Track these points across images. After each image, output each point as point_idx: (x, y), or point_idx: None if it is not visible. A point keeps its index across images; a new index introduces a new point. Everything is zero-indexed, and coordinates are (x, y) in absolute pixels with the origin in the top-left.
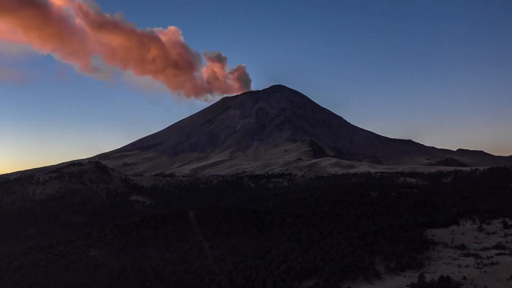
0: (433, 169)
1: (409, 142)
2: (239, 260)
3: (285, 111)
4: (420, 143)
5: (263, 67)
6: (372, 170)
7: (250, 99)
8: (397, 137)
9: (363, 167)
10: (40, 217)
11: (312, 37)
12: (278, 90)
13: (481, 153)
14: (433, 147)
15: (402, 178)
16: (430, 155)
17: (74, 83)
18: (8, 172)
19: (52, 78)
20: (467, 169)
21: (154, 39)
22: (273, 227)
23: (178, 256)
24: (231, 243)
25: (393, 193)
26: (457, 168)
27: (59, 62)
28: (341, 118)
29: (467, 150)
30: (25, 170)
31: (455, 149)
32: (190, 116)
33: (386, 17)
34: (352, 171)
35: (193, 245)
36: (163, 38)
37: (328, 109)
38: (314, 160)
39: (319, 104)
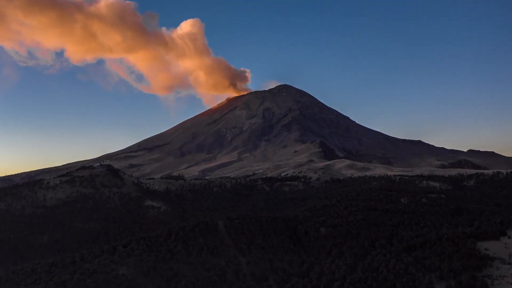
0: (453, 172)
1: (419, 142)
2: (281, 278)
3: (292, 111)
4: (429, 143)
5: (267, 67)
6: (390, 173)
7: (256, 99)
8: (402, 137)
9: (378, 170)
10: (52, 224)
11: (316, 37)
12: (284, 90)
13: (492, 153)
14: (443, 148)
15: (425, 182)
16: (440, 156)
17: (73, 81)
18: (12, 173)
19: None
20: (489, 172)
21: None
22: (309, 239)
23: (215, 274)
24: (268, 258)
25: (423, 200)
26: (478, 171)
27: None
28: (349, 118)
29: (478, 151)
30: (30, 171)
31: (465, 150)
32: (195, 116)
33: (392, 16)
34: (368, 173)
35: (229, 261)
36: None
37: (335, 109)
38: (327, 162)
39: (325, 104)
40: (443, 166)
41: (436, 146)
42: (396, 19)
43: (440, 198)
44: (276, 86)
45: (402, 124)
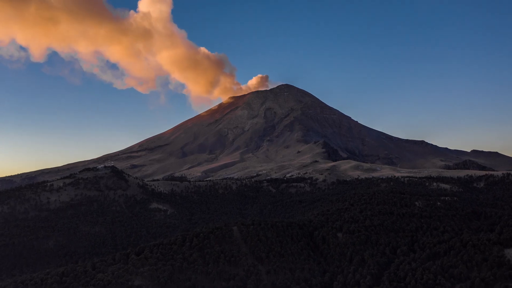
0: (461, 173)
1: (422, 143)
2: None
3: (294, 111)
4: (431, 143)
5: (269, 66)
6: (397, 174)
7: (258, 98)
8: (402, 136)
9: (385, 171)
10: (58, 228)
11: (319, 36)
12: (285, 90)
13: (496, 154)
14: (446, 148)
15: (435, 184)
16: (444, 156)
17: (73, 82)
18: (12, 174)
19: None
20: (499, 173)
21: None
22: (327, 246)
23: (235, 285)
24: (288, 267)
25: (438, 203)
26: (487, 172)
27: None
28: (350, 118)
29: (482, 151)
30: (30, 172)
31: (468, 150)
32: (196, 116)
33: (396, 16)
34: (375, 175)
35: (248, 271)
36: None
37: (336, 109)
38: (333, 163)
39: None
40: (447, 167)
41: (439, 146)
42: (399, 19)
43: (454, 201)
44: (278, 86)
45: (403, 124)
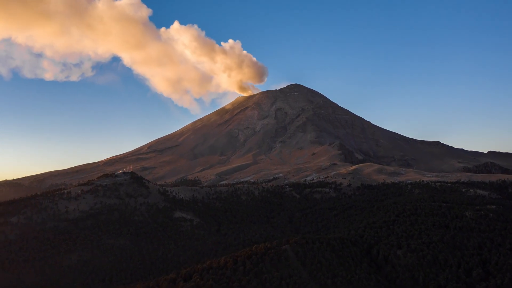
0: (493, 178)
1: (438, 144)
2: None
3: (305, 112)
4: (447, 144)
5: (275, 66)
6: (425, 179)
7: (267, 98)
8: (414, 137)
9: (410, 175)
10: (80, 241)
11: (326, 36)
12: (295, 90)
13: None
14: (462, 149)
15: (471, 190)
16: (461, 157)
17: (76, 82)
18: (20, 177)
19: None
20: None
21: None
22: (393, 267)
23: None
24: None
25: (491, 214)
26: None
27: None
28: (363, 118)
29: (499, 152)
30: (38, 175)
31: (485, 151)
32: (205, 116)
33: (406, 16)
34: (401, 179)
35: None
36: None
37: (347, 109)
38: (354, 167)
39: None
40: (467, 169)
41: (455, 147)
42: (410, 18)
43: (503, 211)
44: (287, 86)
45: (414, 124)
